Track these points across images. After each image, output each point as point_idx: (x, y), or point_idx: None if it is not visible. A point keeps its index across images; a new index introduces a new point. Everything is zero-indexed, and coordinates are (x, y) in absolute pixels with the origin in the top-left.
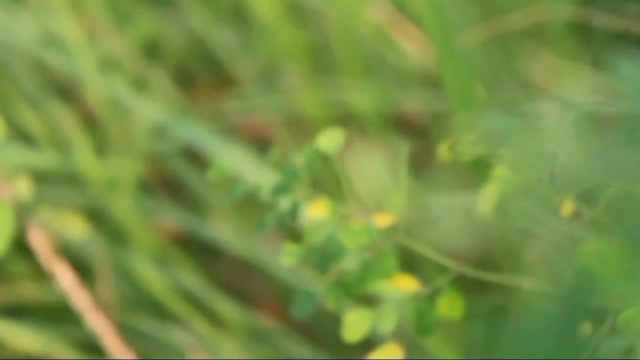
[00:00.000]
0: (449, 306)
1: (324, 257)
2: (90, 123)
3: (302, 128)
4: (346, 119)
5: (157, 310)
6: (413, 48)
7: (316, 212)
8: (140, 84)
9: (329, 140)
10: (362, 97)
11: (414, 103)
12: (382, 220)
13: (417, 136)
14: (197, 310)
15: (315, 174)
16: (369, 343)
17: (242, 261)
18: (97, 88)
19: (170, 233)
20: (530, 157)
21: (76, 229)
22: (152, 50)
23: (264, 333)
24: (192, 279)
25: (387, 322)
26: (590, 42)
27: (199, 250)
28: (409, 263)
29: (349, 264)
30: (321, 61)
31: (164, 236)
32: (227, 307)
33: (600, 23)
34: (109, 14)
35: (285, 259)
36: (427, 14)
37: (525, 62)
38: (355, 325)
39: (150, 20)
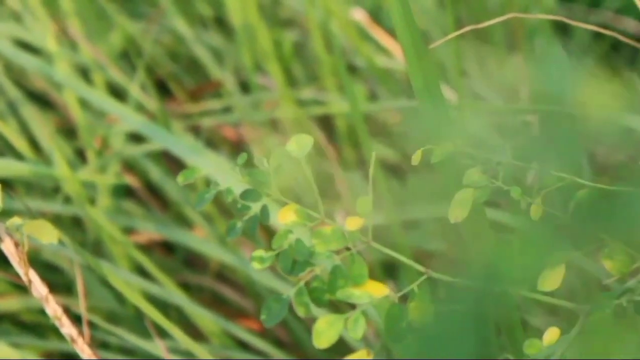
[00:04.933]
0: (420, 310)
1: (293, 262)
2: (68, 130)
3: (282, 131)
4: (325, 120)
5: (133, 318)
6: (392, 49)
7: (285, 217)
8: (119, 91)
9: (299, 144)
10: (341, 98)
11: (394, 103)
12: (353, 224)
13: (398, 136)
14: (173, 319)
15: (285, 179)
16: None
17: (222, 269)
18: (75, 95)
19: (148, 240)
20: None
21: (50, 237)
22: (131, 57)
23: (243, 341)
24: (169, 287)
25: (357, 328)
26: (570, 40)
27: (177, 258)
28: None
29: (319, 269)
30: (301, 63)
31: (142, 243)
32: (204, 316)
33: (580, 18)
34: (88, 21)
35: (254, 265)
36: (397, 22)
37: (500, 63)
38: (325, 331)
39: (130, 27)
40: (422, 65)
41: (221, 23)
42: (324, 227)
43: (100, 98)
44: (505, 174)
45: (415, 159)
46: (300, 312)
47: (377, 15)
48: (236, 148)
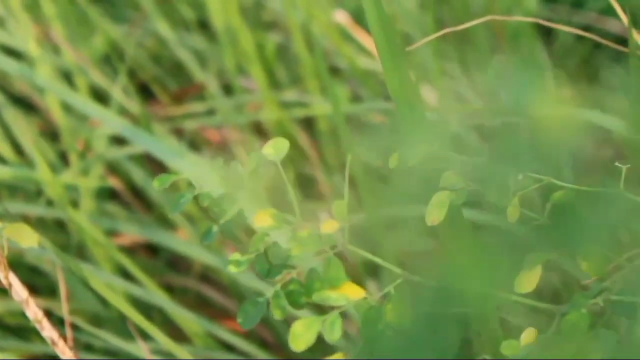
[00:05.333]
0: (397, 312)
1: (270, 265)
2: (52, 133)
3: (265, 133)
4: (308, 122)
5: (117, 320)
6: (374, 50)
7: (261, 221)
8: (102, 94)
9: (275, 148)
10: (324, 100)
11: (377, 104)
12: (329, 227)
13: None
14: (157, 321)
15: (263, 182)
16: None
17: (205, 270)
18: (58, 98)
19: (132, 242)
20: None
21: (29, 240)
22: (114, 60)
23: (226, 343)
24: (152, 288)
25: (334, 331)
26: (553, 40)
27: (161, 260)
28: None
29: (296, 272)
30: (284, 65)
31: (126, 246)
32: (187, 317)
33: (564, 19)
34: (70, 25)
35: (231, 268)
36: (372, 24)
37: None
38: (302, 334)
39: (112, 31)
40: (398, 67)
41: (204, 26)
42: (301, 230)
43: (82, 101)
44: (482, 176)
45: (392, 161)
46: (277, 315)
47: (359, 17)
48: (220, 150)
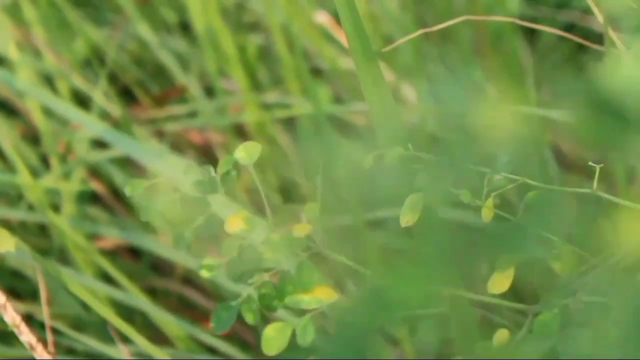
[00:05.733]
0: (370, 314)
1: (242, 269)
2: (33, 137)
3: (247, 135)
4: (290, 123)
5: (99, 324)
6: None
7: (234, 225)
8: (84, 98)
9: (247, 152)
10: (306, 101)
11: (359, 105)
12: (301, 231)
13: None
14: (139, 324)
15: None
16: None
17: (187, 273)
18: (39, 102)
19: (114, 246)
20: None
21: (6, 244)
22: (95, 64)
23: (209, 345)
24: (134, 292)
25: (307, 335)
26: (536, 39)
27: (144, 263)
28: None
29: (267, 276)
30: (266, 67)
31: (108, 249)
32: (169, 320)
33: (547, 17)
34: (51, 29)
35: (203, 273)
36: (346, 25)
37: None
38: (274, 338)
39: (94, 34)
40: (370, 67)
41: (186, 28)
42: (273, 234)
43: (63, 106)
44: (457, 177)
45: (367, 163)
46: (249, 319)
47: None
48: (202, 152)
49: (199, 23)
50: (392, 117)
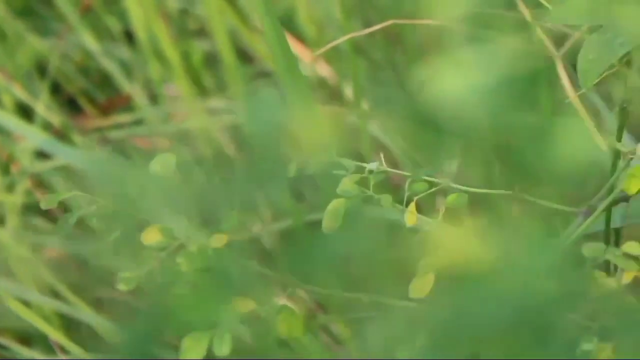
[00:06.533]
0: (288, 324)
1: (159, 282)
2: None
3: (192, 142)
4: (237, 130)
5: (41, 338)
6: (303, 55)
7: (150, 238)
8: (25, 108)
9: (162, 164)
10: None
11: None
12: (217, 242)
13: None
14: (85, 335)
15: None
16: None
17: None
18: None
19: (61, 256)
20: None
21: None
22: (39, 74)
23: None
24: (78, 303)
25: (223, 345)
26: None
27: (87, 275)
28: None
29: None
30: (212, 73)
31: (54, 259)
32: (113, 330)
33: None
34: None
35: (120, 286)
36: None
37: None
38: (191, 348)
39: (38, 45)
40: (293, 76)
41: (130, 37)
42: (190, 246)
43: (4, 117)
44: (378, 182)
45: (291, 170)
46: (168, 332)
47: (286, 23)
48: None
49: (141, 31)
50: (316, 121)
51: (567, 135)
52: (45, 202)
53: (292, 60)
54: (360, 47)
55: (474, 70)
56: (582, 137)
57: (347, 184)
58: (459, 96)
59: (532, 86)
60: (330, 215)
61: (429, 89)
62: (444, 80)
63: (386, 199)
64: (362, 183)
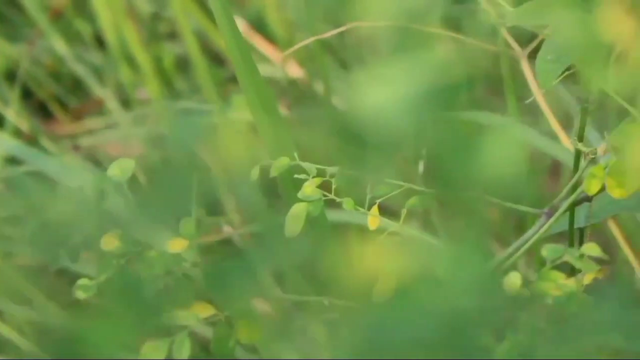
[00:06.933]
0: (248, 329)
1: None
2: None
3: (164, 146)
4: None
5: (15, 348)
6: (274, 58)
7: (109, 243)
8: None
9: (121, 169)
10: (223, 108)
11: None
12: (175, 247)
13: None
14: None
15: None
16: None
17: None
18: None
19: (29, 266)
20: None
21: None
22: (9, 79)
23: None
24: (53, 314)
25: (182, 351)
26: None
27: (61, 284)
28: None
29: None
30: (183, 75)
31: (27, 267)
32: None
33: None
34: None
35: (78, 294)
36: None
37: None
38: (150, 354)
39: (8, 50)
40: (254, 82)
41: (101, 41)
42: (150, 251)
43: None
44: (340, 186)
45: (254, 173)
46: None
47: (258, 25)
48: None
49: (111, 35)
50: (276, 126)
51: (491, 145)
52: (5, 210)
53: (248, 58)
54: (331, 47)
55: (397, 81)
56: (507, 146)
57: (308, 188)
58: (382, 108)
59: (454, 96)
60: (292, 219)
61: (355, 101)
62: (368, 92)
63: (348, 202)
64: (326, 187)
